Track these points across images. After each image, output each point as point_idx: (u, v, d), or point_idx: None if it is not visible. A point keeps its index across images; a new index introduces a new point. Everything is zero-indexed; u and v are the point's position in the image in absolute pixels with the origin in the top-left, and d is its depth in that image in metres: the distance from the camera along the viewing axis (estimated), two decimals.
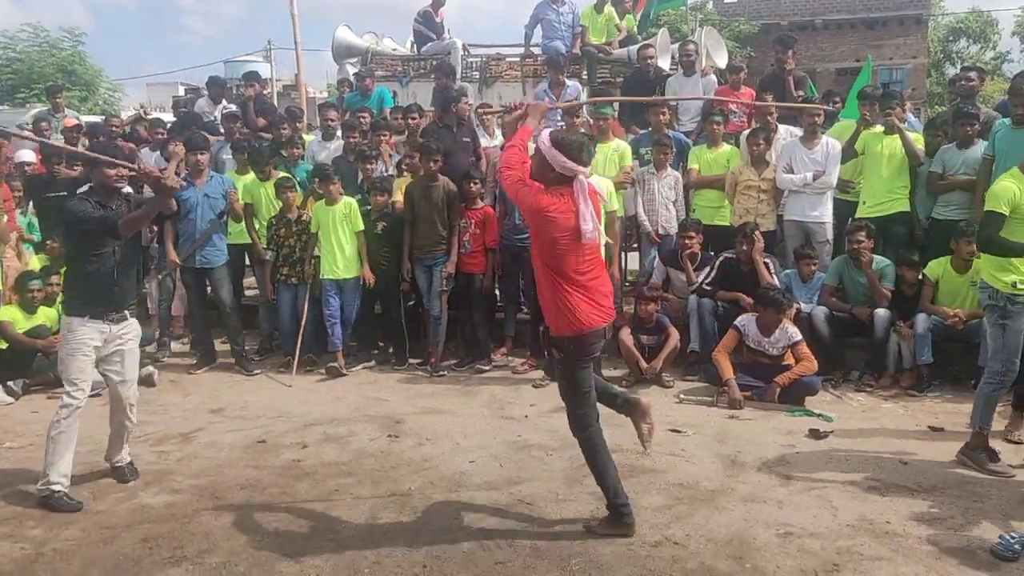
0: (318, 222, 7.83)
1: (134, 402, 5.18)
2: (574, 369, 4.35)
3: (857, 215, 7.70)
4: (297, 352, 7.77)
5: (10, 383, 6.99)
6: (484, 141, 8.86)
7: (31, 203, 8.89)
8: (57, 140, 10.03)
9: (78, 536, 4.42)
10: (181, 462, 5.52)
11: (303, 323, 7.82)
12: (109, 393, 5.20)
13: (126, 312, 5.08)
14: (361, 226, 7.81)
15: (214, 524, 4.54)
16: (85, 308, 4.91)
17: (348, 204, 7.80)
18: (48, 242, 8.18)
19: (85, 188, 5.52)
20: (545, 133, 4.25)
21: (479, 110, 8.93)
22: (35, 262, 8.11)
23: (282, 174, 8.35)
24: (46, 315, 7.58)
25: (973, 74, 8.20)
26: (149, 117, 11.26)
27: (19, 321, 7.34)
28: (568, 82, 9.79)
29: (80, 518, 4.64)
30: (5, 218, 7.40)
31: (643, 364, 7.21)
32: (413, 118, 8.88)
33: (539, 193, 4.16)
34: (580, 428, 4.40)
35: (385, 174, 8.39)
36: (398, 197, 8.09)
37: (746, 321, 6.98)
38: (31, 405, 6.87)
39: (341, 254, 7.75)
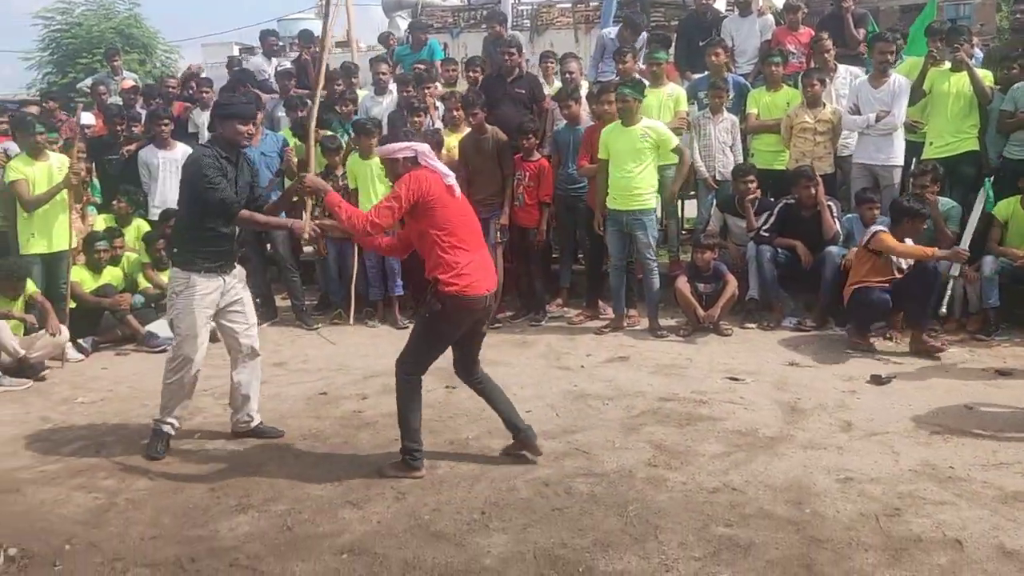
0: (354, 176, 7.79)
1: (257, 346, 5.21)
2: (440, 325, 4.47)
3: (923, 156, 7.47)
4: (352, 305, 7.80)
5: (80, 341, 7.20)
6: (546, 91, 8.74)
7: (94, 165, 9.07)
8: (116, 103, 10.20)
9: (149, 486, 4.57)
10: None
11: (353, 276, 7.84)
12: (228, 347, 5.18)
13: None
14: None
15: (278, 473, 4.66)
16: (203, 262, 4.89)
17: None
18: (114, 202, 8.34)
19: (208, 138, 5.38)
20: (378, 148, 4.67)
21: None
22: (100, 223, 8.31)
23: (325, 132, 8.33)
24: (112, 275, 7.79)
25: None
26: (201, 75, 11.35)
27: (86, 281, 7.55)
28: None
29: (150, 468, 4.79)
30: (83, 171, 7.52)
31: (700, 312, 7.14)
32: (474, 71, 8.83)
33: (411, 191, 4.30)
34: (412, 371, 4.56)
35: (432, 128, 8.35)
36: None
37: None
38: (101, 362, 7.10)
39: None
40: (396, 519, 4.07)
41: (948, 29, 7.81)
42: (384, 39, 11.93)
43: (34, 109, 10.12)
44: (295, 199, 5.22)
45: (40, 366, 6.63)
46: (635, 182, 6.98)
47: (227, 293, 5.00)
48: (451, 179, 4.45)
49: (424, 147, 4.47)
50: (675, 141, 7.20)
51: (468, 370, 4.74)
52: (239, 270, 5.15)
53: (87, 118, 9.80)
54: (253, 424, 5.20)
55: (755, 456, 4.61)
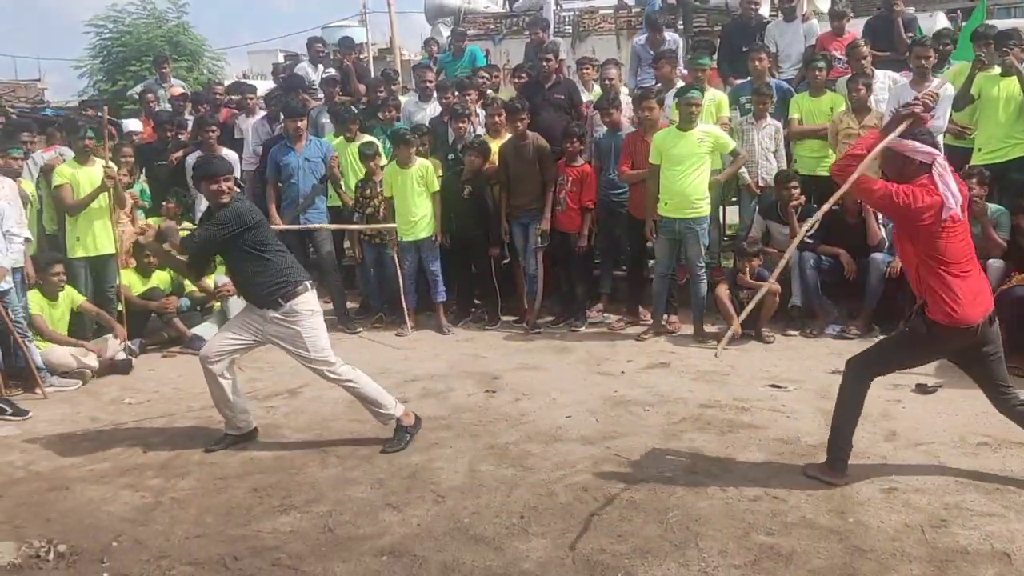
0: (390, 185, 7.81)
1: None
2: (915, 349, 4.30)
3: (972, 162, 7.34)
4: (406, 309, 7.81)
5: (128, 343, 7.34)
6: (584, 96, 8.76)
7: (143, 170, 9.24)
8: (165, 109, 10.39)
9: (193, 485, 4.65)
10: (288, 416, 5.73)
11: (402, 282, 7.87)
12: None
13: None
14: (436, 187, 7.75)
15: (320, 475, 4.71)
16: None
17: (423, 167, 7.70)
18: (164, 203, 8.47)
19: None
20: (895, 140, 4.13)
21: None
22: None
23: (367, 138, 8.39)
24: (160, 279, 7.93)
25: None
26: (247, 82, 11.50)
27: (135, 285, 7.70)
28: (667, 34, 9.56)
29: (195, 469, 4.87)
30: (120, 175, 7.66)
31: (737, 328, 7.08)
32: (521, 77, 8.88)
33: (915, 196, 4.00)
34: (862, 372, 4.37)
35: (474, 134, 8.37)
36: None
37: None
38: (148, 364, 7.23)
39: (414, 216, 7.70)
40: (436, 522, 4.10)
41: (996, 33, 7.66)
42: (427, 44, 12.00)
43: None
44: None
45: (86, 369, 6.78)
46: (691, 188, 6.96)
47: None
48: (951, 204, 4.03)
49: (939, 154, 4.18)
50: (732, 144, 7.18)
51: (1003, 401, 4.31)
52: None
53: (134, 124, 9.97)
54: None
55: (797, 464, 4.56)
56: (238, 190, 5.11)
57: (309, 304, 5.02)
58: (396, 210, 7.80)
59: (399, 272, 7.75)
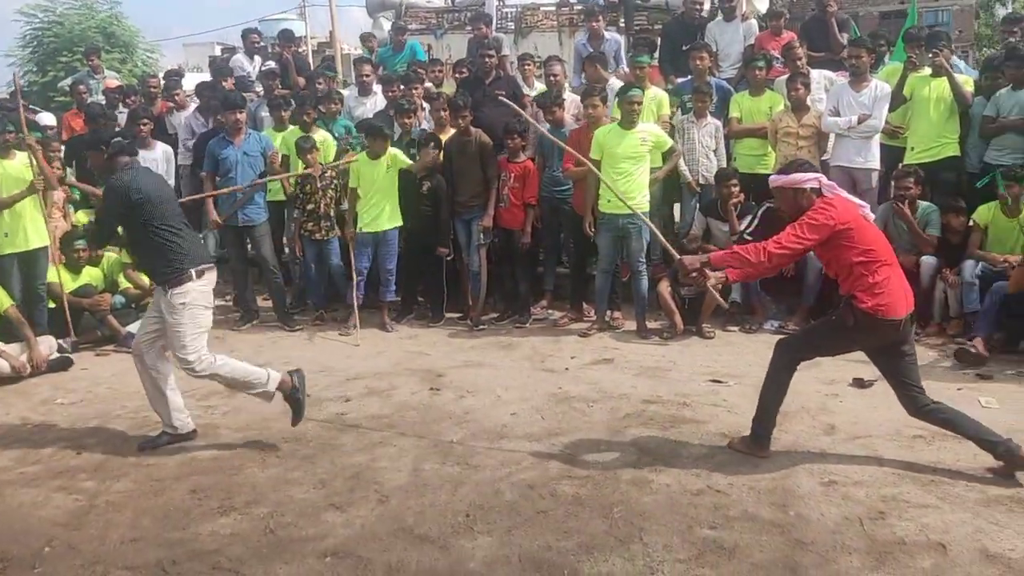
0: (358, 176, 7.69)
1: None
2: (840, 337, 4.50)
3: (904, 161, 7.52)
4: (356, 307, 7.69)
5: (60, 341, 7.12)
6: (524, 91, 8.75)
7: (74, 164, 8.99)
8: (97, 101, 10.12)
9: (129, 488, 4.53)
10: (227, 416, 5.61)
11: (355, 279, 7.74)
12: None
13: None
14: (408, 163, 7.63)
15: (261, 476, 4.63)
16: None
17: (391, 156, 7.59)
18: (91, 198, 8.26)
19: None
20: (776, 178, 4.58)
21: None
22: (81, 217, 8.24)
23: (317, 133, 8.26)
24: (91, 275, 7.72)
25: None
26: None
27: (66, 282, 7.46)
28: (607, 34, 9.62)
29: (131, 471, 4.74)
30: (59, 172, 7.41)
31: (679, 321, 7.18)
32: (462, 72, 8.83)
33: (829, 214, 4.28)
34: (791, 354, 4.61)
35: (420, 129, 8.30)
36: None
37: None
38: (81, 363, 7.01)
39: (384, 207, 7.61)
40: (380, 522, 4.05)
41: (927, 35, 7.87)
42: (365, 39, 11.90)
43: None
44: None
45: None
46: (632, 185, 7.00)
47: None
48: (860, 202, 4.56)
49: (822, 175, 4.54)
50: (671, 143, 7.25)
51: (914, 401, 4.47)
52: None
53: (47, 118, 9.60)
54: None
55: (739, 459, 4.62)
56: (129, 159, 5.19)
57: (185, 297, 4.90)
58: (361, 202, 7.68)
59: (353, 267, 7.66)
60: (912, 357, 4.48)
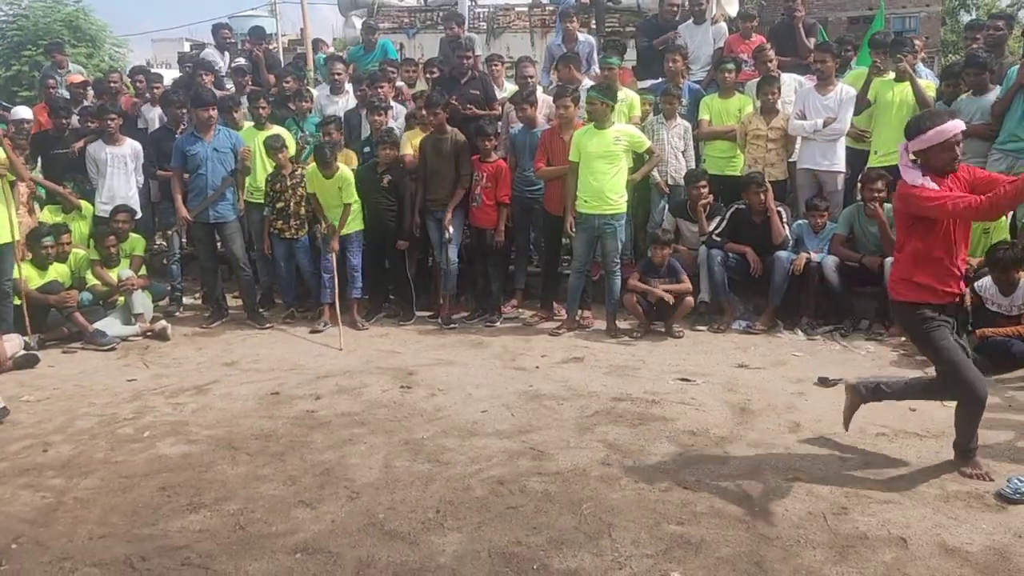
0: (313, 187, 7.73)
1: None
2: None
3: (869, 164, 7.64)
4: (329, 305, 7.73)
5: (26, 338, 7.05)
6: (496, 93, 8.78)
7: (39, 160, 8.88)
8: (63, 95, 10.00)
9: (97, 485, 4.50)
10: (197, 413, 5.59)
11: (324, 276, 7.76)
12: None
13: None
14: (354, 198, 7.67)
15: (230, 473, 4.62)
16: None
17: (341, 178, 7.61)
18: (62, 185, 8.18)
19: None
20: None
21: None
22: (47, 214, 8.15)
23: (273, 130, 8.20)
24: (58, 272, 7.64)
25: (1001, 22, 8.08)
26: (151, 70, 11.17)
27: (32, 278, 7.39)
28: (581, 36, 9.66)
29: (99, 467, 4.72)
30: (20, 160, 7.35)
31: (642, 316, 7.26)
32: (433, 72, 8.84)
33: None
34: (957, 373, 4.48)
35: (386, 128, 8.29)
36: (407, 151, 8.06)
37: (985, 284, 6.43)
38: (47, 360, 6.94)
39: (337, 216, 7.68)
40: (350, 518, 4.07)
41: (892, 41, 8.00)
42: (313, 43, 11.83)
43: None
44: None
45: None
46: (608, 186, 7.04)
47: None
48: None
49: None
50: (647, 143, 7.29)
51: None
52: None
53: (23, 112, 9.48)
54: None
55: (706, 456, 4.69)
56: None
57: None
58: (320, 209, 7.75)
59: (332, 264, 7.66)
60: None
